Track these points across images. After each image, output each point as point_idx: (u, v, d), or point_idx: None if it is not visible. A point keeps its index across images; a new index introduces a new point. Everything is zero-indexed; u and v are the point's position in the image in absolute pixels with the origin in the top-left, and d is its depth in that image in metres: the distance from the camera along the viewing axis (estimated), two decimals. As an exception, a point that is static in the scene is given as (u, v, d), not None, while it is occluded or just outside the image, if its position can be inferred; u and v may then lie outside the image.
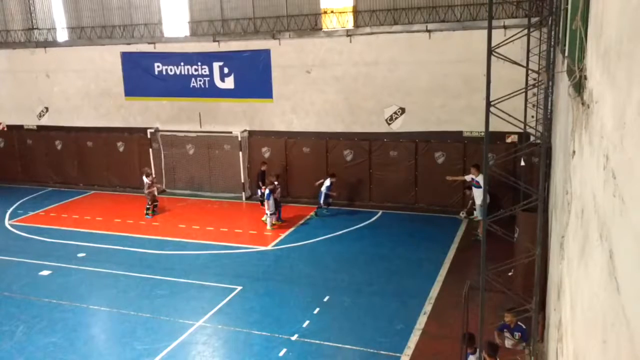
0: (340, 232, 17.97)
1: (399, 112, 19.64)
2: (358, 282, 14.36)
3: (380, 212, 19.50)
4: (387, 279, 14.48)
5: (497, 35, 9.40)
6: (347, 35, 19.69)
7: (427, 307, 12.83)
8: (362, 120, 20.09)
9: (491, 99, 8.00)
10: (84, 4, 23.35)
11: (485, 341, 8.85)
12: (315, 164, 20.73)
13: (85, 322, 13.20)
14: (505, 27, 16.36)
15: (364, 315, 12.64)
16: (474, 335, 9.20)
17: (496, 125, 9.64)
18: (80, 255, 16.78)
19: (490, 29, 7.71)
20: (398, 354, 11.01)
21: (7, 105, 25.42)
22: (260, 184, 19.86)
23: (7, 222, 20.33)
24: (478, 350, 8.77)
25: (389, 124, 19.82)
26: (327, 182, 19.16)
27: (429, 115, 19.16)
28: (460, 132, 18.85)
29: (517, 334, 9.85)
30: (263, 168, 20.21)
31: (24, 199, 23.20)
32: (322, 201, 19.27)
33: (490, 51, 7.74)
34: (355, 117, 20.18)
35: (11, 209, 21.92)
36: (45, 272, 15.63)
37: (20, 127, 25.48)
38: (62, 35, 24.15)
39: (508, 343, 9.82)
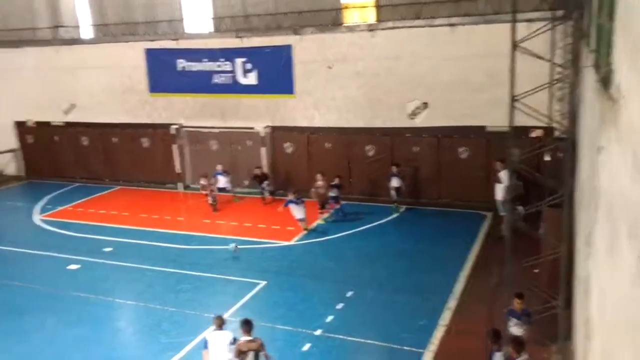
0: (363, 227, 17.97)
1: (421, 106, 19.54)
2: (381, 277, 14.37)
3: (403, 207, 19.43)
4: (410, 274, 14.46)
5: (521, 29, 9.31)
6: (369, 30, 19.63)
7: (451, 303, 12.78)
8: (383, 115, 20.04)
9: (515, 93, 7.95)
10: (108, 1, 23.66)
11: (511, 338, 8.80)
12: (337, 159, 20.74)
13: (112, 315, 13.43)
14: (529, 21, 16.10)
15: (387, 311, 12.66)
16: (500, 331, 9.15)
17: (520, 120, 9.57)
18: (107, 249, 17.06)
19: (514, 22, 7.65)
20: (421, 350, 11.01)
21: (35, 102, 25.86)
22: (259, 184, 20.96)
23: (37, 217, 20.76)
24: (504, 346, 8.72)
25: (412, 119, 19.74)
26: (394, 170, 18.88)
27: (451, 110, 19.02)
28: (484, 127, 18.68)
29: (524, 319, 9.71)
30: (257, 172, 21.03)
31: (53, 194, 23.65)
32: (396, 197, 18.96)
33: (514, 45, 7.69)
34: (377, 112, 20.13)
35: (41, 204, 22.39)
36: (73, 266, 15.93)
37: (48, 123, 25.95)
38: (87, 32, 24.50)
39: (516, 330, 9.65)
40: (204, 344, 9.68)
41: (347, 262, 15.59)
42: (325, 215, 18.67)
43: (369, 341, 11.41)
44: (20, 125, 26.62)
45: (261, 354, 9.12)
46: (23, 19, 25.18)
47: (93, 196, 23.22)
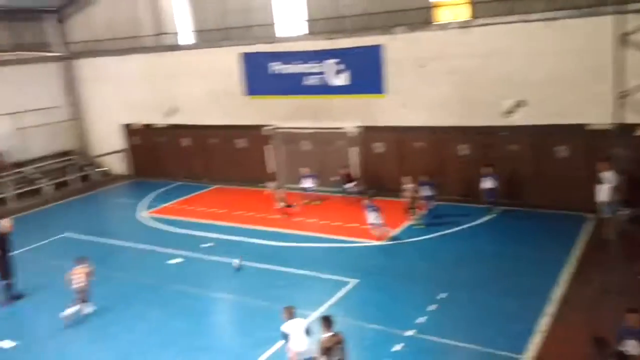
0: (456, 228, 17.64)
1: (516, 104, 18.89)
2: (475, 280, 14.06)
3: (499, 209, 18.85)
4: (506, 278, 14.03)
5: (626, 21, 8.79)
6: (462, 27, 19.24)
7: (550, 309, 12.27)
8: (477, 113, 19.56)
9: (621, 89, 7.53)
10: (207, 8, 24.73)
11: (615, 352, 8.33)
12: (428, 159, 20.50)
13: (211, 308, 14.06)
14: (636, 12, 15.11)
15: (481, 314, 12.37)
16: (605, 339, 8.68)
17: (625, 117, 9.03)
18: (206, 245, 17.87)
19: (621, 14, 7.25)
20: (517, 355, 10.66)
21: (141, 105, 27.57)
22: (343, 184, 21.36)
23: (143, 214, 22.12)
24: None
25: (507, 117, 19.12)
26: (486, 171, 18.34)
27: (549, 107, 18.23)
28: (584, 125, 17.76)
29: None
30: (343, 172, 21.36)
31: (157, 192, 25.12)
32: (490, 198, 18.47)
33: (622, 38, 7.29)
34: (470, 110, 19.68)
35: (147, 201, 23.85)
36: (175, 261, 16.81)
37: (152, 125, 27.55)
38: (188, 38, 25.76)
39: (635, 350, 9.03)
40: (285, 337, 10.12)
41: (440, 263, 15.38)
42: (416, 217, 18.38)
43: (462, 344, 11.21)
44: (128, 128, 28.46)
45: (340, 346, 9.27)
46: (129, 28, 26.88)
47: (193, 194, 24.39)
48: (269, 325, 12.55)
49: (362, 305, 13.34)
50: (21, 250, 18.56)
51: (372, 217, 17.23)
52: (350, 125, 21.76)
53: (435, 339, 11.47)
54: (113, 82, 28.10)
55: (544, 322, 11.75)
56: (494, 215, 18.49)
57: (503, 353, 10.75)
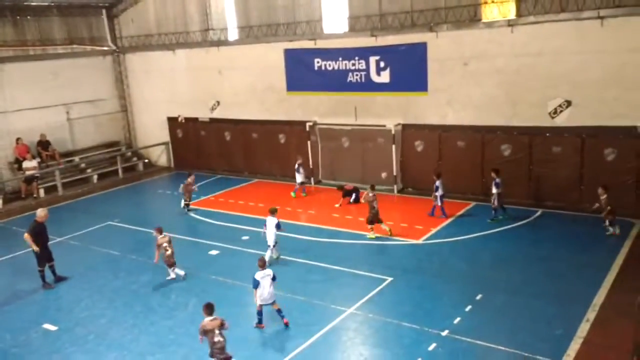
0: (496, 229, 17.37)
1: (564, 105, 18.43)
2: (514, 282, 13.82)
3: (540, 211, 18.50)
4: (546, 281, 13.74)
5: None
6: (509, 26, 18.87)
7: (591, 315, 11.97)
8: (522, 113, 19.18)
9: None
10: (252, 4, 24.99)
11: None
12: (470, 158, 20.26)
13: (247, 300, 14.12)
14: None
15: (519, 317, 12.15)
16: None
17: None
18: (244, 238, 18.09)
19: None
20: (555, 360, 10.46)
21: (186, 99, 28.11)
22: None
23: (183, 205, 22.49)
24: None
25: (553, 118, 18.69)
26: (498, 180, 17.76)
27: (599, 108, 17.74)
28: (635, 127, 17.21)
29: None
30: (300, 161, 22.25)
31: (198, 184, 25.44)
32: (497, 202, 17.89)
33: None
34: (515, 110, 19.32)
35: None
36: (213, 252, 17.10)
37: (196, 119, 28.04)
38: (233, 34, 26.09)
39: None
40: (254, 284, 12.09)
41: (478, 264, 15.17)
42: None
43: (498, 347, 11.03)
44: (172, 121, 29.04)
45: (219, 330, 10.20)
46: (178, 24, 27.43)
47: (233, 188, 24.72)
48: (305, 319, 12.67)
49: (398, 303, 13.27)
50: (68, 236, 19.25)
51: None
52: (391, 122, 21.64)
53: (471, 340, 11.33)
54: (159, 76, 28.76)
55: (584, 328, 11.47)
56: (503, 221, 17.90)
57: (540, 358, 10.54)
